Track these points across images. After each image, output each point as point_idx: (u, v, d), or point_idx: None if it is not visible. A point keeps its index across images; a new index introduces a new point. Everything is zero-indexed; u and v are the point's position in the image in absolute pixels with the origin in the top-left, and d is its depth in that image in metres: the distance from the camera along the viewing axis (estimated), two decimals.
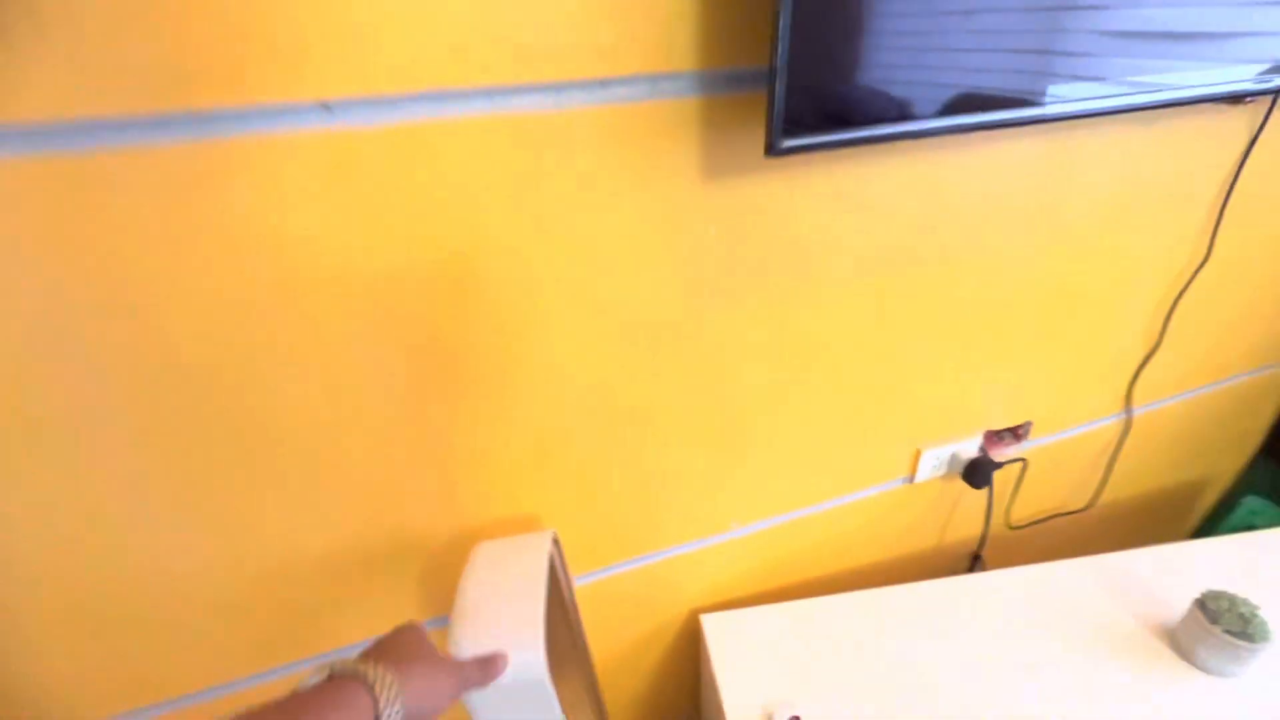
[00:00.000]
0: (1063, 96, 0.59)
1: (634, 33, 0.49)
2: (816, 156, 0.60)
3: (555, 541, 0.66)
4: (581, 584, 0.80)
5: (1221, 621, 0.76)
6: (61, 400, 0.48)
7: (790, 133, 0.50)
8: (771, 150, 0.50)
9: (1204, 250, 0.89)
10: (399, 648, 0.46)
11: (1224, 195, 0.85)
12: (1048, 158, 0.71)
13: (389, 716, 0.38)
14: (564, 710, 0.55)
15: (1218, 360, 1.07)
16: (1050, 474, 1.05)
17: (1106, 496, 1.13)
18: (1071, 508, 1.12)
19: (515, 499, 0.69)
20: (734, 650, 0.84)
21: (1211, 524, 1.36)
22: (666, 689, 1.02)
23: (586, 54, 0.49)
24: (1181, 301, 0.93)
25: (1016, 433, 0.98)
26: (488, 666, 0.51)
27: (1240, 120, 0.80)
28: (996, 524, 1.07)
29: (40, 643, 0.58)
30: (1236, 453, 1.29)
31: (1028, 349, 0.88)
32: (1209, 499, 1.37)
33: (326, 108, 0.45)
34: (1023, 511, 1.09)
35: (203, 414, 0.52)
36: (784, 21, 0.46)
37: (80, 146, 0.41)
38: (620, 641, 0.91)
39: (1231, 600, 0.77)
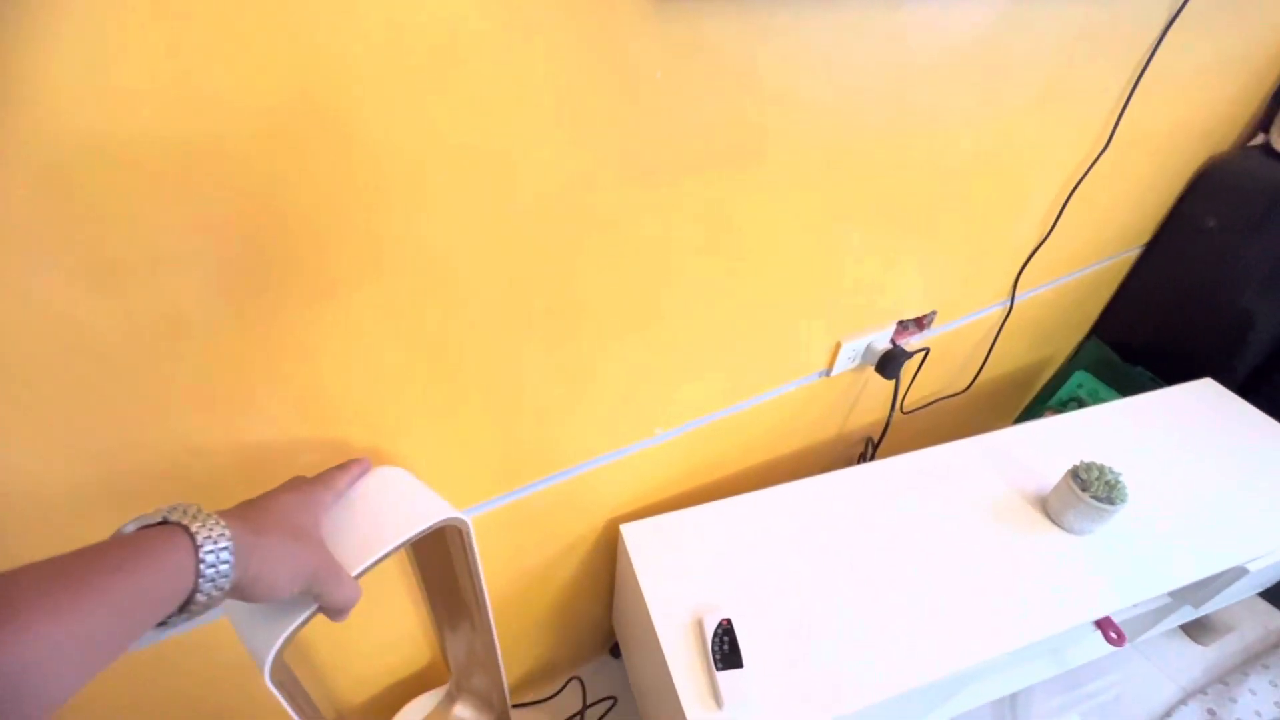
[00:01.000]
0: None
1: None
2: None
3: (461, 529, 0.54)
4: (499, 505, 0.70)
5: (1090, 489, 0.84)
6: None
7: None
8: None
9: (1105, 139, 0.90)
10: (269, 508, 0.39)
11: (1134, 81, 0.85)
12: (1002, 18, 0.64)
13: (211, 571, 0.30)
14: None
15: (1088, 248, 1.14)
16: (941, 361, 1.10)
17: (980, 377, 1.21)
18: (953, 390, 1.19)
19: (403, 418, 0.55)
20: (655, 558, 0.80)
21: (1044, 398, 1.54)
22: (580, 603, 0.98)
23: None
24: (1076, 191, 0.95)
25: (921, 322, 0.99)
26: (345, 584, 0.41)
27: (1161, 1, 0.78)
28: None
29: None
30: (1075, 333, 1.45)
31: (943, 237, 0.86)
32: (1046, 375, 1.54)
33: None
34: (913, 397, 1.13)
35: None
36: None
37: None
38: (539, 558, 0.83)
39: (1100, 470, 0.85)
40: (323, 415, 0.49)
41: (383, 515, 0.48)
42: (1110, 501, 0.83)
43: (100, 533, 0.31)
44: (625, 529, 0.82)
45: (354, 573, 0.43)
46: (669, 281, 0.62)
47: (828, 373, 0.92)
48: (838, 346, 0.89)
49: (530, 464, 0.69)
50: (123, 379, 0.39)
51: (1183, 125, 1.02)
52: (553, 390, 0.63)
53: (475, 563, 0.56)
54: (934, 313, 0.98)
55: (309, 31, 0.33)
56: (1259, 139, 1.16)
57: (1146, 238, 1.26)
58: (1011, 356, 1.29)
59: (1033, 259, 1.02)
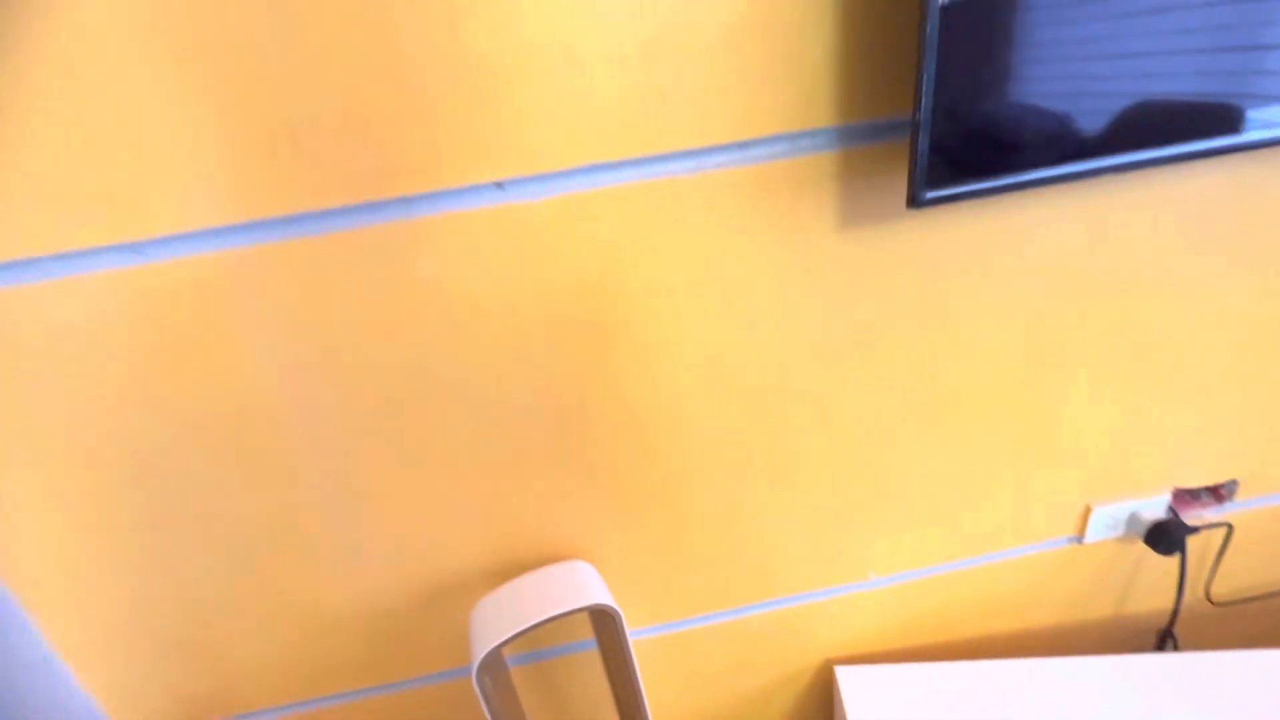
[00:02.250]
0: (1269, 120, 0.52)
1: (774, 96, 0.52)
2: (963, 204, 0.58)
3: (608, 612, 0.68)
4: (711, 623, 0.81)
5: None
6: (285, 434, 0.59)
7: (934, 184, 0.49)
8: (914, 203, 0.50)
9: None
10: None
11: None
12: (1251, 186, 0.63)
13: None
14: None
15: None
16: (1265, 543, 0.89)
17: None
18: None
19: (646, 531, 0.72)
20: (871, 710, 0.80)
21: None
22: None
23: (727, 120, 0.52)
24: None
25: (1217, 493, 0.85)
26: None
27: None
28: (1194, 598, 0.92)
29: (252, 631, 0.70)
30: None
31: (1226, 393, 0.77)
32: None
33: (500, 186, 0.52)
34: (1227, 585, 0.93)
35: (387, 431, 0.61)
36: (928, 74, 0.46)
37: (317, 231, 0.51)
38: (749, 685, 0.90)
39: None
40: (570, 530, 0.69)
41: (548, 596, 0.64)
42: None
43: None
44: (840, 671, 0.85)
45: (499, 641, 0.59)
46: (870, 438, 0.71)
47: (1079, 539, 0.84)
48: (1088, 510, 0.82)
49: (744, 588, 0.80)
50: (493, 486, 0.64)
51: None
52: (770, 522, 0.74)
53: (629, 652, 0.67)
54: (1234, 482, 0.84)
55: (613, 269, 0.56)
56: None
57: None
58: None
59: None
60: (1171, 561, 0.85)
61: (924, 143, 0.48)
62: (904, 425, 0.71)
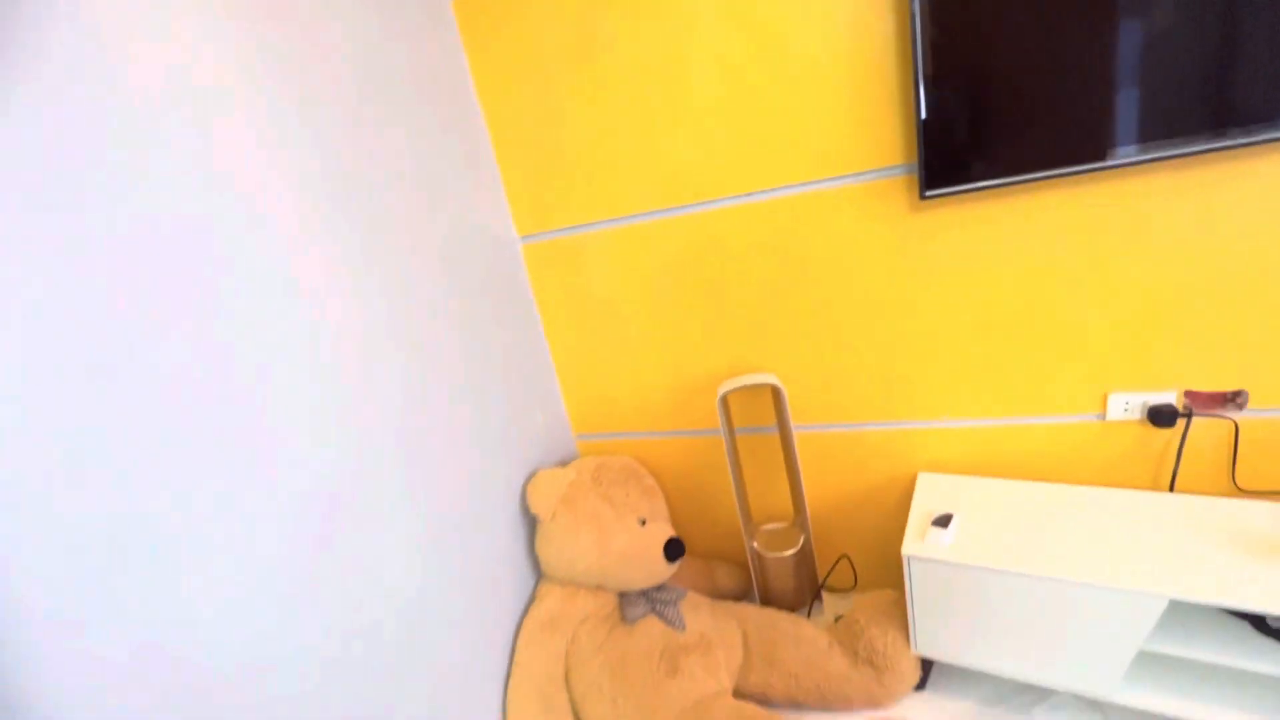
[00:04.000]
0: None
1: (862, 147, 1.22)
2: (979, 194, 1.18)
3: (776, 390, 1.39)
4: (842, 430, 1.48)
5: None
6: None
7: (935, 184, 1.14)
8: (925, 194, 1.15)
9: None
10: None
11: None
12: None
13: None
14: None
15: None
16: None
17: None
18: None
19: (812, 359, 1.44)
20: (937, 496, 1.36)
21: None
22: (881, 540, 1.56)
23: (851, 159, 1.24)
24: None
25: (1231, 398, 1.20)
26: None
27: None
28: (1225, 485, 1.24)
29: None
30: None
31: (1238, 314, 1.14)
32: None
33: None
34: (1252, 482, 1.22)
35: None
36: (921, 137, 1.12)
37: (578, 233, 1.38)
38: (862, 483, 1.53)
39: None
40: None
41: (751, 379, 1.37)
42: None
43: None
44: (923, 476, 1.42)
45: (726, 390, 1.34)
46: (953, 335, 1.31)
47: (1101, 416, 1.28)
48: (1105, 398, 1.26)
49: (866, 409, 1.44)
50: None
51: None
52: (892, 370, 1.39)
53: (790, 429, 1.36)
54: (1243, 391, 1.19)
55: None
56: None
57: None
58: None
59: None
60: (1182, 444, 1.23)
61: (921, 172, 1.13)
62: (977, 329, 1.29)
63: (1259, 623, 1.05)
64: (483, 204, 1.47)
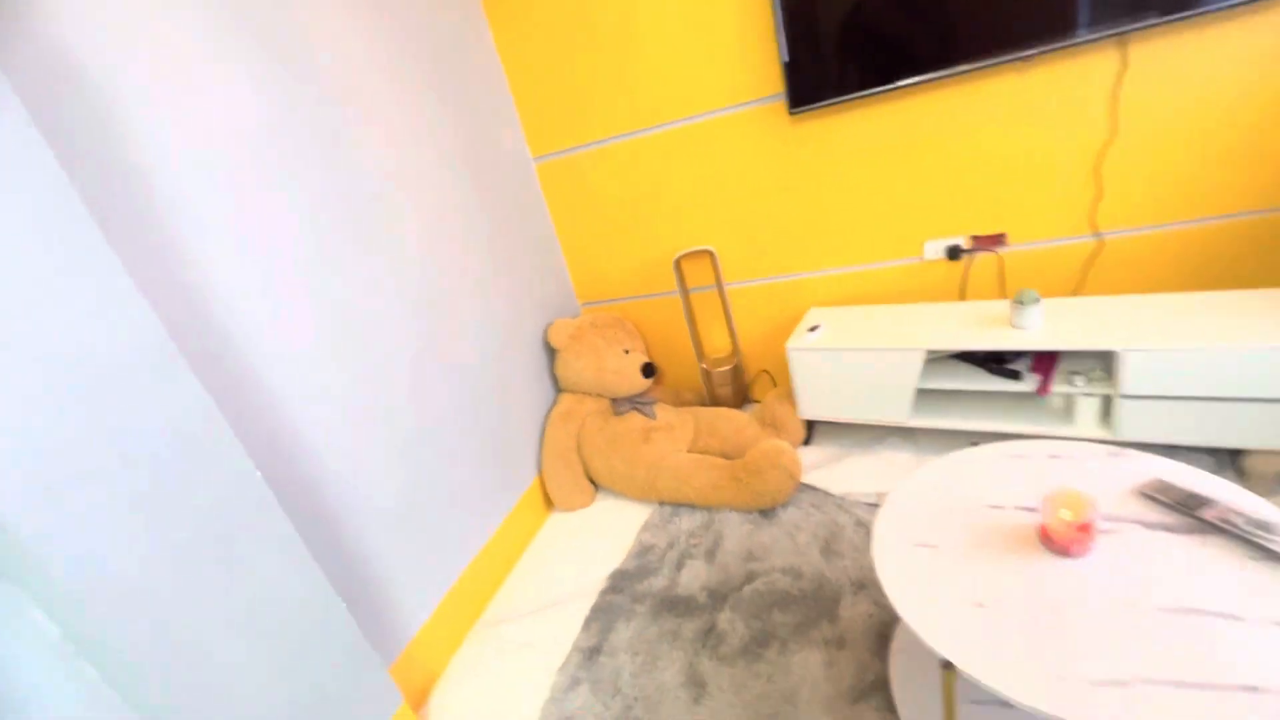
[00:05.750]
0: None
1: (753, 82, 1.86)
2: (829, 110, 1.81)
3: (712, 254, 2.07)
4: (758, 283, 2.16)
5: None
6: None
7: (797, 104, 1.78)
8: (791, 111, 1.79)
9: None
10: None
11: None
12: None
13: None
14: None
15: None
16: (1031, 265, 1.84)
17: None
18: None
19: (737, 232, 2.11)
20: (817, 318, 2.05)
21: None
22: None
23: (746, 91, 1.88)
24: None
25: (998, 239, 1.85)
26: None
27: None
28: (995, 293, 1.90)
29: None
30: None
31: (998, 186, 1.79)
32: None
33: None
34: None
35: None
36: (785, 74, 1.76)
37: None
38: (774, 322, 2.22)
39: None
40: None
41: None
42: None
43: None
44: (813, 310, 2.11)
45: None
46: (819, 217, 1.97)
47: (921, 258, 1.94)
48: (922, 244, 1.92)
49: (772, 267, 2.12)
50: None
51: None
52: (781, 241, 2.06)
53: (720, 277, 2.04)
54: (1003, 234, 1.83)
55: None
56: None
57: None
58: None
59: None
60: (973, 268, 1.89)
61: (789, 89, 1.77)
62: (841, 205, 1.94)
63: (986, 363, 1.74)
64: (507, 137, 2.14)
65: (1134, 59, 1.53)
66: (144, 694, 0.93)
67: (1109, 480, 1.05)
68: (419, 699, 1.54)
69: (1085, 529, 0.93)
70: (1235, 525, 0.90)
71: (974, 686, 0.85)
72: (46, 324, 0.82)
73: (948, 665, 0.85)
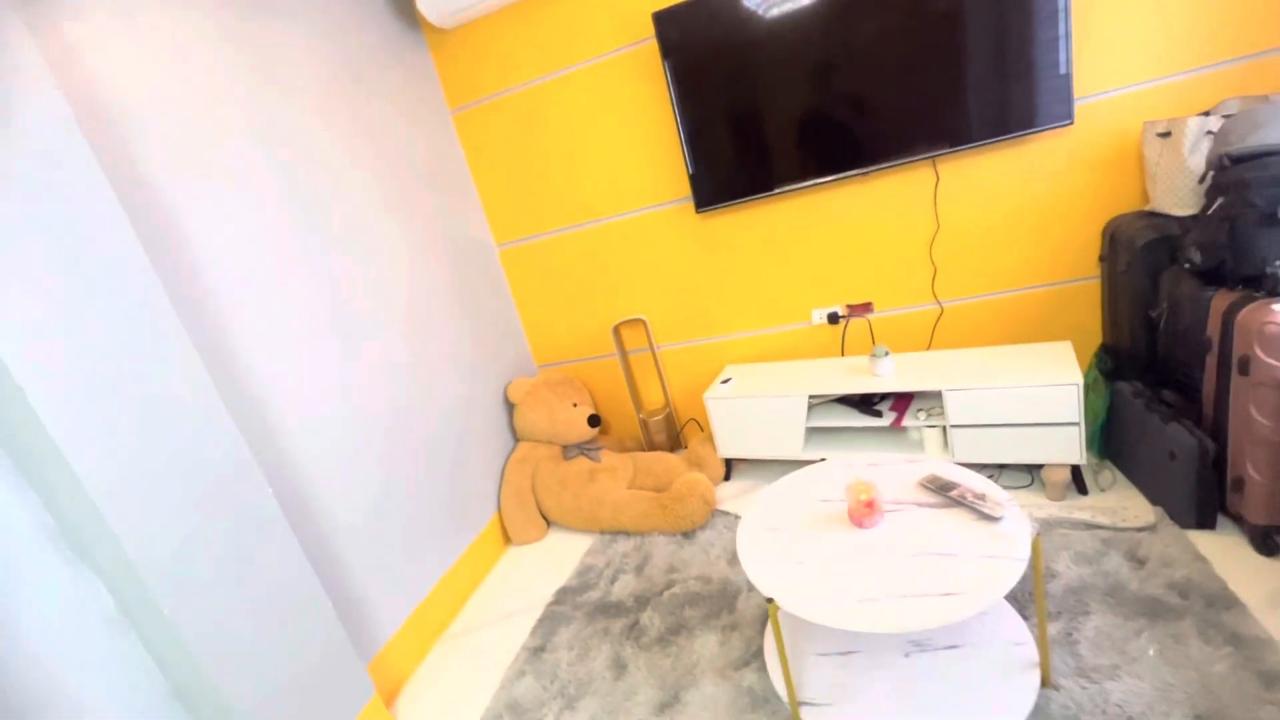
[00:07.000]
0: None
1: (668, 188, 2.36)
2: (727, 209, 2.32)
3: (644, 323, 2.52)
4: (686, 345, 2.60)
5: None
6: None
7: (701, 205, 2.28)
8: (698, 210, 2.29)
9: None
10: None
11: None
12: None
13: None
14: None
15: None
16: (896, 327, 2.31)
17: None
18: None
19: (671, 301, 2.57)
20: (730, 374, 2.47)
21: None
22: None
23: (663, 194, 2.39)
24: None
25: (867, 307, 2.33)
26: None
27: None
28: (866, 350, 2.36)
29: None
30: None
31: (867, 270, 2.28)
32: None
33: None
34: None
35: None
36: (694, 173, 2.27)
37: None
38: (692, 380, 2.64)
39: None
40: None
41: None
42: None
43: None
44: (728, 366, 2.54)
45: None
46: (735, 286, 2.44)
47: (809, 322, 2.40)
48: (810, 312, 2.39)
49: (697, 331, 2.56)
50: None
51: None
52: (696, 309, 2.52)
53: (652, 341, 2.48)
54: (869, 303, 2.31)
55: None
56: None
57: None
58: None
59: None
60: (850, 330, 2.36)
61: (696, 193, 2.27)
62: (745, 282, 2.42)
63: (859, 405, 2.17)
64: (476, 229, 2.60)
65: (943, 173, 2.07)
66: (175, 663, 1.24)
67: (902, 478, 1.46)
68: (389, 698, 1.80)
69: (870, 505, 1.32)
70: (966, 499, 1.30)
71: (822, 638, 1.22)
72: (142, 374, 1.19)
73: (770, 600, 1.22)
